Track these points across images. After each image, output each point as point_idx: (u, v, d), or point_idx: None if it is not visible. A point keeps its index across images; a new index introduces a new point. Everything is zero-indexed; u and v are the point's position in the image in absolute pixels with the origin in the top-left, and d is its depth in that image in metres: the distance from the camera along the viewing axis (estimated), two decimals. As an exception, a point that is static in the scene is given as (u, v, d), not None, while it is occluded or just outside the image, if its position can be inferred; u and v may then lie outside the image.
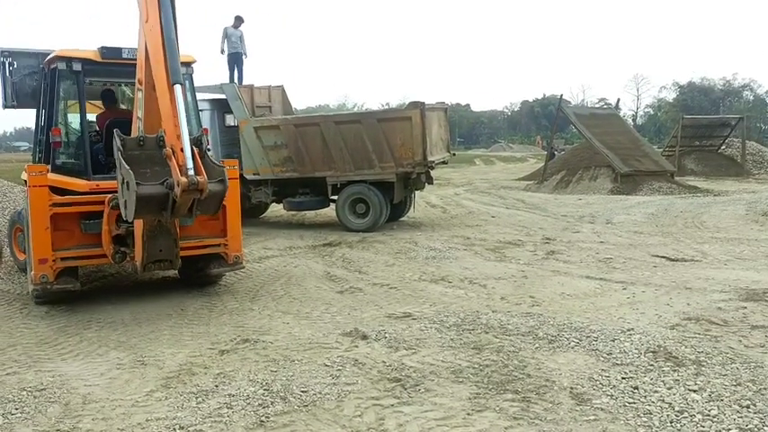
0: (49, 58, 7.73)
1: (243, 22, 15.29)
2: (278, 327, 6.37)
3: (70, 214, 7.11)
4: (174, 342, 5.98)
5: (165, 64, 5.67)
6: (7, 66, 8.48)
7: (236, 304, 7.37)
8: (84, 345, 5.99)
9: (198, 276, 8.09)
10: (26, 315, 7.15)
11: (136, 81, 6.45)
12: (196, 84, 8.49)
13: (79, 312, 7.10)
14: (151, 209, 5.52)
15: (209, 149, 6.26)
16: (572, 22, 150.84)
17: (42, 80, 7.91)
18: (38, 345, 6.03)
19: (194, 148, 5.53)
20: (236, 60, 15.08)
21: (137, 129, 6.33)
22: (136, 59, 6.57)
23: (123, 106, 8.62)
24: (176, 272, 8.41)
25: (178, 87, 5.56)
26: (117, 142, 5.64)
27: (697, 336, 5.67)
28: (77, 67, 7.44)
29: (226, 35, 15.07)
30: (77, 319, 6.84)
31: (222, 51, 15.06)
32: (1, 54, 8.52)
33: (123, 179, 5.50)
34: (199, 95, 14.12)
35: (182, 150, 5.42)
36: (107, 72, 7.78)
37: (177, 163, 5.38)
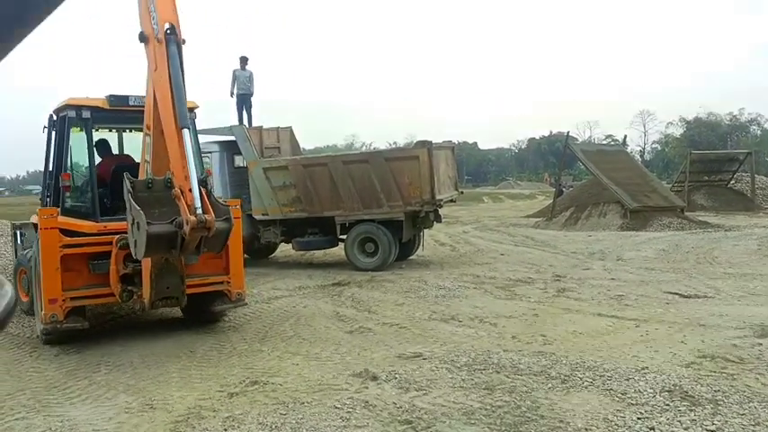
0: (58, 106, 8.03)
1: (248, 61, 15.51)
2: (287, 368, 6.32)
3: (79, 255, 7.30)
4: (182, 385, 5.94)
5: (173, 109, 5.90)
6: (19, 236, 9.67)
7: (246, 345, 7.33)
8: (92, 388, 5.96)
9: (202, 314, 8.24)
10: (36, 358, 7.13)
11: (144, 126, 6.66)
12: (206, 126, 8.63)
13: (88, 355, 7.08)
14: (161, 247, 5.75)
15: (212, 190, 6.49)
16: (577, 60, 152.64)
17: (51, 127, 8.17)
18: (47, 389, 6.00)
19: (201, 189, 5.74)
20: (244, 101, 15.26)
21: (144, 171, 6.56)
22: (141, 107, 6.82)
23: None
24: (180, 311, 8.57)
25: (186, 131, 5.81)
26: (127, 185, 5.88)
27: (713, 374, 5.57)
28: (86, 114, 7.78)
29: (235, 77, 15.29)
30: (86, 362, 6.81)
31: (232, 94, 15.26)
32: (13, 227, 10.20)
33: (134, 219, 5.74)
34: (209, 137, 14.43)
35: (190, 190, 5.65)
36: (114, 119, 8.15)
37: (186, 202, 5.62)
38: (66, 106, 7.79)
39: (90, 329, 7.62)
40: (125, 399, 5.60)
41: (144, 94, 6.86)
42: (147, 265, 6.61)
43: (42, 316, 7.08)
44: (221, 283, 7.79)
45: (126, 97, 7.73)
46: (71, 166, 8.07)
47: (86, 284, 7.32)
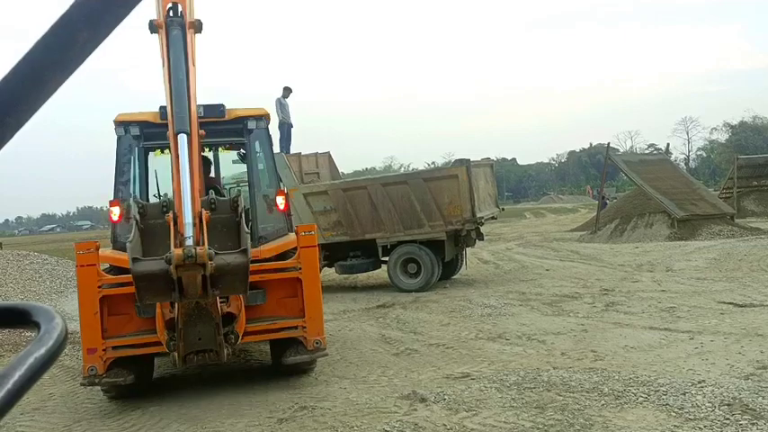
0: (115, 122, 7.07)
1: (291, 91, 15.83)
2: (335, 392, 6.32)
3: (124, 296, 6.05)
4: (232, 412, 5.99)
5: (170, 110, 4.83)
6: None
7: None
8: (145, 418, 6.05)
9: (276, 365, 6.90)
10: (90, 390, 7.26)
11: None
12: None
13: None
14: (156, 290, 4.65)
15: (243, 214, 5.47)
16: (613, 71, 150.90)
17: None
18: (101, 420, 6.12)
19: (204, 212, 4.66)
20: (287, 129, 15.58)
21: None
22: (199, 118, 5.90)
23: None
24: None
25: (183, 137, 4.63)
26: (134, 209, 5.07)
27: (774, 385, 5.36)
28: (135, 131, 6.81)
29: (280, 105, 15.60)
30: (139, 393, 6.92)
31: (284, 121, 15.55)
32: None
33: None
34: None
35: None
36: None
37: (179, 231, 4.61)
38: (115, 123, 6.87)
39: (133, 381, 6.39)
40: (177, 427, 5.67)
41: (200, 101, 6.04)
42: (176, 311, 5.37)
43: (82, 368, 6.19)
44: (295, 327, 6.45)
45: None
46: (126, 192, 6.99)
47: (134, 331, 6.24)
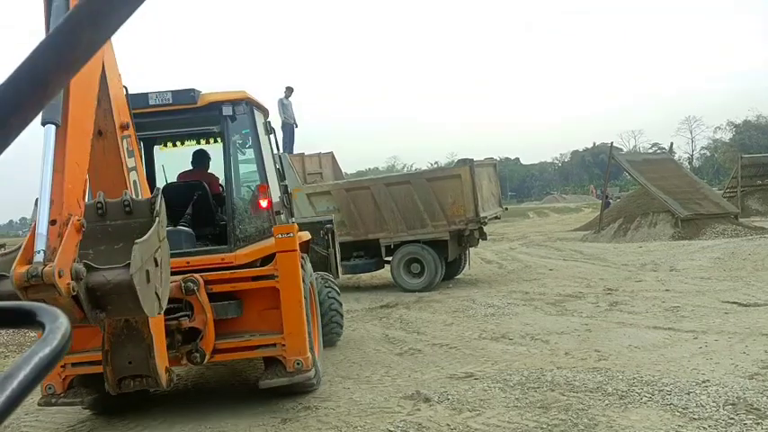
0: None
1: (293, 91, 15.87)
2: (339, 392, 6.32)
3: None
4: (236, 412, 5.99)
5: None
6: None
7: (297, 371, 7.35)
8: (149, 418, 6.06)
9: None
10: (94, 390, 7.29)
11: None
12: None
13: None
14: None
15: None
16: (615, 70, 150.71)
17: None
18: (105, 419, 6.14)
19: (73, 219, 3.61)
20: (290, 130, 15.61)
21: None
22: (165, 106, 5.82)
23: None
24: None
25: (50, 129, 3.61)
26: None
27: (779, 385, 5.35)
28: None
29: (282, 105, 15.62)
30: (143, 394, 6.93)
31: (287, 121, 15.57)
32: None
33: None
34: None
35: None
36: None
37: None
38: None
39: (90, 404, 6.01)
40: (181, 428, 5.68)
41: (164, 89, 5.87)
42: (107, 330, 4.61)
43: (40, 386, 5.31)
44: (272, 345, 5.69)
45: (145, 96, 5.76)
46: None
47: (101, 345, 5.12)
